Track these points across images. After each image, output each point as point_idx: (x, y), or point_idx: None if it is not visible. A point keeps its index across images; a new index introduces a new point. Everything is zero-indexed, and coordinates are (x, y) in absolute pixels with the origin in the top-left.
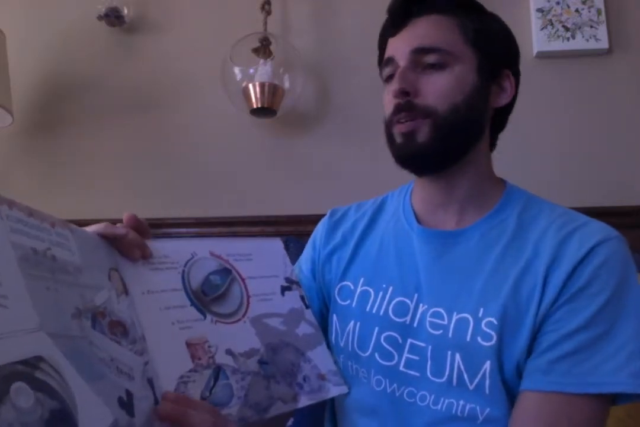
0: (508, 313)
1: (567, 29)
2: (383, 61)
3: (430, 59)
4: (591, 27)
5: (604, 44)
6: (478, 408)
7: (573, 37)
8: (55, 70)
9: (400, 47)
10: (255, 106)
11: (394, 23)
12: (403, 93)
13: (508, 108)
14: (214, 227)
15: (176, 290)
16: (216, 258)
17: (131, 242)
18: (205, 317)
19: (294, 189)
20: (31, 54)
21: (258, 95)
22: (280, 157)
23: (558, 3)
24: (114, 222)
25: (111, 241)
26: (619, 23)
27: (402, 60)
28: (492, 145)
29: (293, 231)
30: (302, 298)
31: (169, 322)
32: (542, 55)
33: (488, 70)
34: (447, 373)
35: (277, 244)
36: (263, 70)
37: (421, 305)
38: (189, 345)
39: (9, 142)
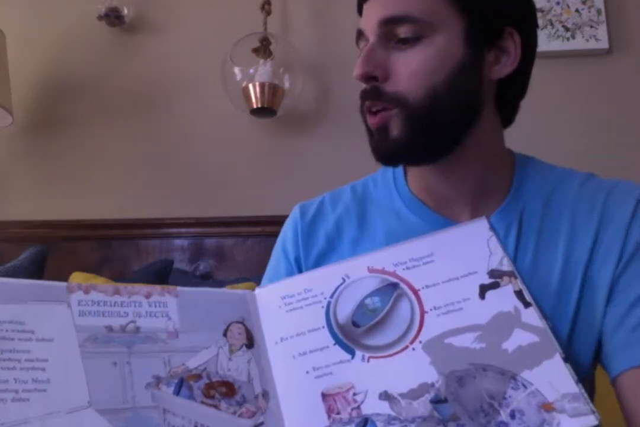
0: (562, 313)
1: (567, 29)
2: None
3: (402, 31)
4: (591, 27)
5: (604, 44)
6: None
7: (573, 37)
8: (55, 70)
9: (368, 17)
10: (255, 106)
11: None
12: (368, 78)
13: (524, 72)
14: (214, 227)
15: (316, 329)
16: (377, 274)
17: None
18: (353, 355)
19: (294, 189)
20: (31, 54)
21: (258, 95)
22: (280, 157)
23: (558, 3)
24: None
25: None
26: (619, 23)
27: (371, 35)
28: (508, 118)
29: None
30: (519, 294)
31: (302, 371)
32: (542, 55)
33: (482, 34)
34: None
35: (478, 225)
36: (263, 70)
37: None
38: (325, 397)
39: (9, 142)
